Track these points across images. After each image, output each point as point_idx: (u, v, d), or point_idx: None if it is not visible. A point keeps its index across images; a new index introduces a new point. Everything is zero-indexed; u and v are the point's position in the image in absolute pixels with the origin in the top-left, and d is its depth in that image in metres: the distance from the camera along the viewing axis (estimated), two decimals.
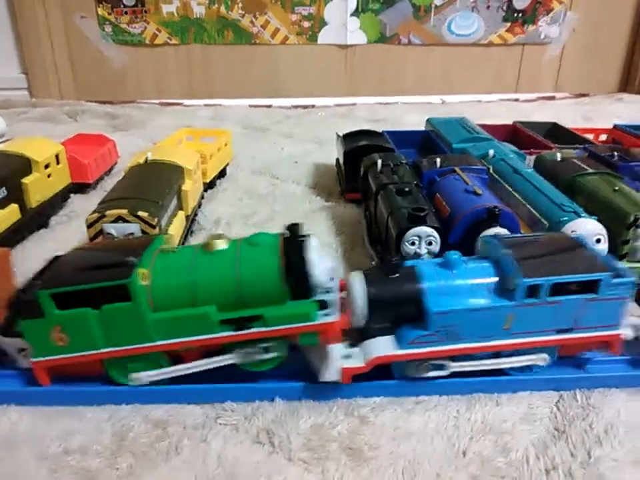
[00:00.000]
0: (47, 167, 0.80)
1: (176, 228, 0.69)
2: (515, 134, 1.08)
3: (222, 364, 0.47)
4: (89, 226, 0.61)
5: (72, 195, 0.93)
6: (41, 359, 0.46)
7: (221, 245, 0.47)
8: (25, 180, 0.76)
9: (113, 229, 0.61)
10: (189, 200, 0.77)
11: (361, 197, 0.85)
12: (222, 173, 1.04)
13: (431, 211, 0.64)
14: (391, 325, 0.49)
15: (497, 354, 0.49)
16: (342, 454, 0.43)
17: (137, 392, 0.48)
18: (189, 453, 0.43)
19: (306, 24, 1.73)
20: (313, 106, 1.76)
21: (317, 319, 0.45)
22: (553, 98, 1.92)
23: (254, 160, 1.16)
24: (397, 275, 0.48)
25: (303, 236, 0.47)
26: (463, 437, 0.45)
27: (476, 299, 0.47)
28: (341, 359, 0.48)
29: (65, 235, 0.81)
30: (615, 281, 0.46)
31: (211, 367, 0.48)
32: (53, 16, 1.64)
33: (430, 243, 0.61)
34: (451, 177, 0.73)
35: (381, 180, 0.74)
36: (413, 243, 0.61)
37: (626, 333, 0.49)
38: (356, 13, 1.73)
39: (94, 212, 0.61)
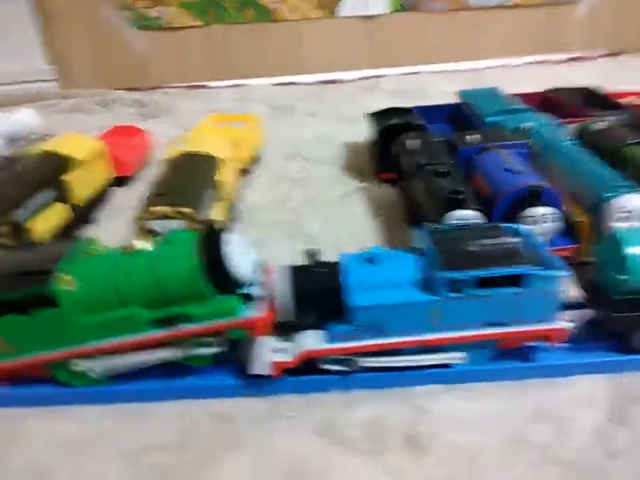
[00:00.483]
0: (88, 163, 0.82)
1: (219, 219, 0.70)
2: (548, 102, 1.05)
3: (160, 359, 0.49)
4: (137, 224, 0.63)
5: (115, 189, 0.95)
6: None
7: (141, 246, 0.48)
8: (69, 178, 0.77)
9: (157, 226, 0.63)
10: (227, 190, 0.78)
11: (397, 177, 0.84)
12: (255, 158, 1.04)
13: (470, 193, 0.63)
14: (321, 318, 0.49)
15: (429, 348, 0.49)
16: (401, 444, 0.44)
17: (200, 387, 0.50)
18: (254, 446, 0.45)
19: None
20: (334, 81, 1.74)
21: (241, 313, 0.46)
22: (581, 59, 1.85)
23: (284, 142, 1.15)
24: (323, 269, 0.48)
25: (220, 231, 0.48)
26: (520, 424, 0.46)
27: (399, 294, 0.47)
28: (271, 352, 0.48)
29: (113, 229, 0.83)
30: (542, 274, 0.45)
31: (153, 360, 0.49)
32: (76, 5, 1.64)
33: None
34: (489, 154, 0.72)
35: (416, 160, 0.74)
36: None
37: (566, 325, 0.48)
38: None
39: (139, 211, 0.63)
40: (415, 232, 0.52)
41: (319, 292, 0.48)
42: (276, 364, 0.48)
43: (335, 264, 0.49)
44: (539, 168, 0.70)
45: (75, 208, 0.79)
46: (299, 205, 0.87)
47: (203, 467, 0.44)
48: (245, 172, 0.98)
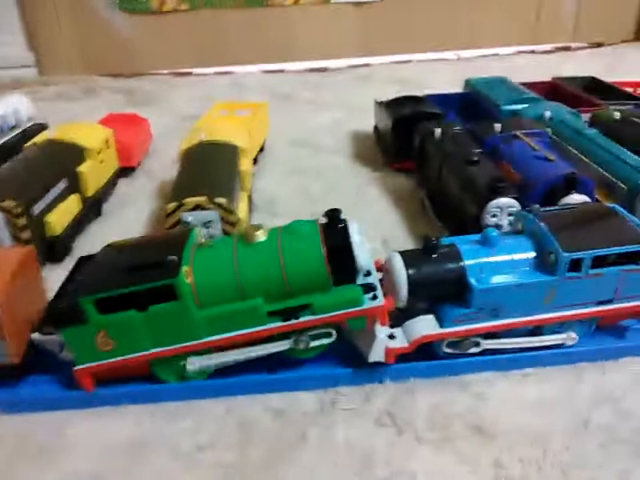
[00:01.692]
0: (99, 153, 0.78)
1: (243, 210, 0.68)
2: (556, 91, 1.06)
3: (269, 352, 0.47)
4: (168, 215, 0.60)
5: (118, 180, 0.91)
6: (86, 365, 0.46)
7: (261, 236, 0.46)
8: (81, 169, 0.74)
9: (191, 217, 0.60)
10: (248, 180, 0.76)
11: (416, 166, 0.84)
12: (261, 148, 1.02)
13: (507, 182, 0.63)
14: (430, 304, 0.50)
15: (538, 329, 0.50)
16: (468, 431, 0.44)
17: (250, 382, 0.49)
18: (317, 441, 0.44)
19: None
20: (324, 69, 1.72)
21: (365, 303, 0.45)
22: (569, 48, 1.88)
23: (287, 131, 1.14)
24: (437, 254, 0.48)
25: (343, 220, 0.47)
26: (580, 408, 0.46)
27: (517, 275, 0.47)
28: (386, 339, 0.48)
29: (121, 221, 0.80)
30: None
31: (262, 354, 0.47)
32: None
33: (510, 214, 0.61)
34: (516, 143, 0.72)
35: (444, 149, 0.73)
36: (494, 215, 0.61)
37: None
38: None
39: (171, 201, 0.60)
40: (519, 214, 0.52)
41: (440, 277, 0.47)
42: (391, 350, 0.47)
43: (452, 247, 0.48)
44: (562, 156, 0.71)
45: (86, 200, 0.76)
46: (319, 196, 0.85)
47: (268, 464, 0.43)
48: (253, 162, 0.96)
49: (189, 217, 0.60)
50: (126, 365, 0.46)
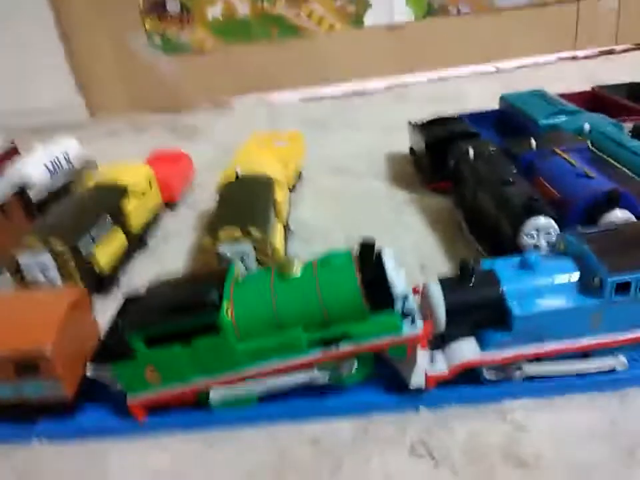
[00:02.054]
0: (143, 193, 0.82)
1: (280, 241, 0.70)
2: (596, 101, 1.03)
3: (306, 382, 0.48)
4: (204, 250, 0.63)
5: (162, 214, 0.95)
6: (137, 397, 0.48)
7: (296, 269, 0.47)
8: (127, 208, 0.78)
9: (228, 250, 0.62)
10: (283, 210, 0.78)
11: (452, 187, 0.83)
12: (299, 176, 1.04)
13: (544, 201, 0.62)
14: (472, 329, 0.49)
15: (586, 354, 0.48)
16: (507, 464, 0.43)
17: (286, 410, 0.49)
18: (353, 471, 0.44)
19: (350, 8, 1.69)
20: (362, 92, 1.74)
21: (404, 329, 0.45)
22: (612, 52, 1.82)
23: (324, 157, 1.15)
24: (475, 280, 0.47)
25: (376, 247, 0.47)
26: (625, 436, 0.44)
27: (559, 299, 0.46)
28: (427, 365, 0.48)
29: (166, 255, 0.84)
30: None
31: (297, 383, 0.48)
32: (102, 33, 1.67)
33: (548, 233, 0.59)
34: (554, 159, 0.70)
35: (478, 169, 0.73)
36: (531, 236, 0.59)
37: None
38: None
39: (206, 236, 0.63)
40: (561, 235, 0.51)
41: (478, 303, 0.47)
42: (431, 378, 0.47)
43: (490, 273, 0.48)
44: (602, 170, 0.69)
45: (131, 236, 0.80)
46: (353, 221, 0.86)
47: None
48: (290, 190, 0.98)
49: (225, 250, 0.62)
50: (174, 396, 0.48)
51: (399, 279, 0.46)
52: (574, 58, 1.79)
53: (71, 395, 0.50)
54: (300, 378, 0.48)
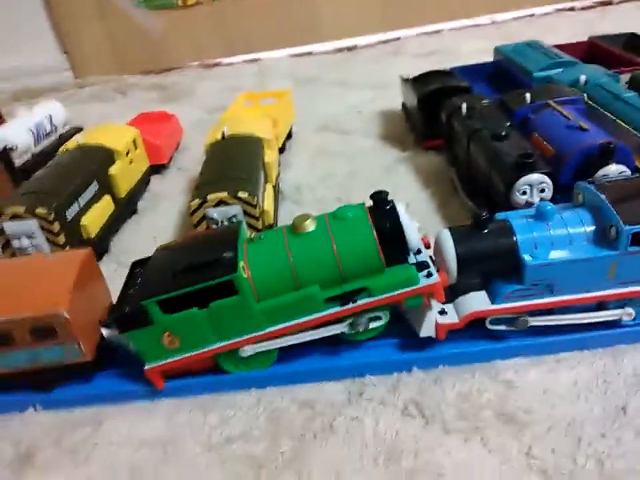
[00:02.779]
0: (127, 153, 0.80)
1: (269, 203, 0.69)
2: (593, 52, 1.00)
3: (328, 334, 0.48)
4: (192, 213, 0.61)
5: (150, 177, 0.93)
6: (155, 364, 0.47)
7: (310, 226, 0.46)
8: (112, 171, 0.76)
9: (216, 213, 0.61)
10: (273, 171, 0.76)
11: (445, 144, 0.81)
12: (288, 135, 1.01)
13: (537, 155, 0.60)
14: (481, 280, 0.48)
15: (601, 305, 0.47)
16: (497, 421, 0.43)
17: (279, 373, 0.49)
18: (345, 432, 0.44)
19: None
20: (353, 47, 1.69)
21: (420, 281, 0.45)
22: (610, 2, 1.76)
23: (314, 115, 1.12)
24: (488, 229, 0.46)
25: (390, 202, 0.46)
26: (617, 393, 0.44)
27: (574, 250, 0.45)
28: (437, 315, 0.48)
29: (156, 218, 0.82)
30: None
31: (318, 337, 0.48)
32: None
33: (542, 190, 0.58)
34: (548, 112, 0.68)
35: (470, 125, 0.71)
36: (524, 192, 0.58)
37: None
38: None
39: (194, 198, 0.61)
40: (579, 186, 0.49)
41: (491, 253, 0.46)
42: (442, 326, 0.47)
43: (504, 223, 0.47)
44: (598, 123, 0.67)
45: (119, 200, 0.78)
46: (344, 180, 0.84)
47: (297, 455, 0.43)
48: (280, 150, 0.96)
49: (214, 213, 0.61)
50: (192, 361, 0.47)
51: (412, 232, 0.46)
52: (571, 9, 1.74)
53: (91, 357, 0.49)
54: (323, 331, 0.47)
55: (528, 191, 0.58)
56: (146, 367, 0.48)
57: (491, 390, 0.46)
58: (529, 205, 0.58)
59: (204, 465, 0.43)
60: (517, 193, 0.58)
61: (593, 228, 0.46)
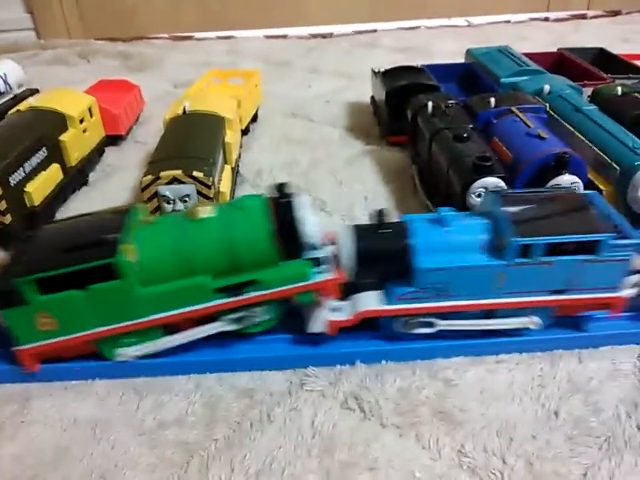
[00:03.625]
0: (81, 121, 0.77)
1: (226, 184, 0.67)
2: (561, 63, 1.02)
3: (215, 332, 0.47)
4: (143, 189, 0.59)
5: (105, 149, 0.89)
6: (27, 345, 0.45)
7: (206, 212, 0.45)
8: (63, 137, 0.73)
9: (168, 191, 0.59)
10: (233, 152, 0.74)
11: (408, 141, 0.81)
12: (254, 117, 0.99)
13: (495, 159, 0.61)
14: (379, 280, 0.49)
15: (490, 313, 0.48)
16: (433, 418, 0.44)
17: (220, 361, 0.48)
18: (282, 422, 0.44)
19: None
20: (330, 35, 1.67)
21: (313, 277, 0.45)
22: (584, 16, 1.80)
23: (283, 100, 1.11)
24: (387, 230, 0.47)
25: (291, 195, 0.46)
26: (551, 397, 0.45)
27: (467, 257, 0.46)
28: (328, 311, 0.48)
29: (107, 191, 0.79)
30: (617, 242, 0.44)
31: (203, 335, 0.47)
32: None
33: None
34: (510, 119, 0.69)
35: (434, 124, 0.71)
36: (479, 195, 0.59)
37: (629, 292, 0.47)
38: None
39: (147, 174, 0.59)
40: (487, 195, 0.50)
41: (384, 253, 0.46)
42: (332, 322, 0.47)
43: (402, 224, 0.47)
44: (558, 133, 0.68)
45: (69, 169, 0.75)
46: (306, 168, 0.83)
47: (231, 444, 0.42)
48: (244, 131, 0.94)
49: (166, 191, 0.59)
50: (70, 345, 0.45)
51: (312, 227, 0.45)
52: (546, 19, 1.77)
53: None
54: (207, 329, 0.46)
55: (483, 194, 0.58)
56: (16, 348, 0.45)
57: (430, 387, 0.46)
58: None
59: (133, 449, 0.42)
60: (473, 195, 0.58)
61: (488, 237, 0.46)
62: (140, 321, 0.45)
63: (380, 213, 0.47)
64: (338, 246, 0.46)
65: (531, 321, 0.48)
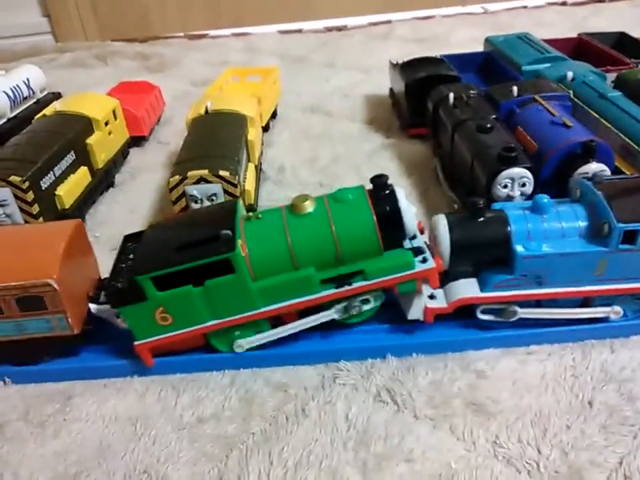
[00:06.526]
0: (106, 124, 0.78)
1: (251, 182, 0.68)
2: (582, 48, 1.00)
3: (321, 321, 0.48)
4: (171, 189, 0.60)
5: (129, 150, 0.91)
6: (146, 340, 0.47)
7: (309, 207, 0.46)
8: (90, 140, 0.74)
9: (196, 191, 0.60)
10: (256, 150, 0.75)
11: (430, 132, 0.81)
12: (273, 114, 1.00)
13: (520, 149, 0.61)
14: (473, 268, 0.49)
15: (587, 301, 0.48)
16: (466, 410, 0.44)
17: (254, 356, 0.49)
18: (317, 415, 0.45)
19: None
20: (344, 27, 1.66)
21: (416, 266, 0.46)
22: (602, 0, 1.77)
23: (301, 95, 1.11)
24: (484, 218, 0.47)
25: (390, 186, 0.47)
26: (584, 387, 0.45)
27: (567, 244, 0.46)
28: (426, 299, 0.48)
29: (133, 192, 0.81)
30: None
31: (311, 325, 0.48)
32: None
33: (523, 185, 0.58)
34: (533, 107, 0.68)
35: (456, 115, 0.71)
36: (505, 186, 0.58)
37: None
38: None
39: (174, 174, 0.60)
40: (577, 182, 0.50)
41: (484, 241, 0.46)
42: (430, 310, 0.48)
43: (500, 213, 0.47)
44: (583, 121, 0.68)
45: (96, 172, 0.76)
46: (328, 163, 0.84)
47: (268, 437, 0.43)
48: (264, 129, 0.95)
49: (193, 191, 0.60)
50: (183, 338, 0.47)
51: (409, 217, 0.46)
52: (563, 3, 1.74)
53: (78, 330, 0.48)
54: (318, 318, 0.48)
55: (509, 185, 0.58)
56: (136, 343, 0.47)
57: (462, 379, 0.46)
58: (509, 198, 0.59)
59: (174, 444, 0.43)
60: (498, 186, 0.58)
61: (586, 224, 0.46)
62: (254, 312, 0.46)
63: (474, 203, 0.47)
64: (436, 235, 0.47)
65: (613, 310, 0.48)
